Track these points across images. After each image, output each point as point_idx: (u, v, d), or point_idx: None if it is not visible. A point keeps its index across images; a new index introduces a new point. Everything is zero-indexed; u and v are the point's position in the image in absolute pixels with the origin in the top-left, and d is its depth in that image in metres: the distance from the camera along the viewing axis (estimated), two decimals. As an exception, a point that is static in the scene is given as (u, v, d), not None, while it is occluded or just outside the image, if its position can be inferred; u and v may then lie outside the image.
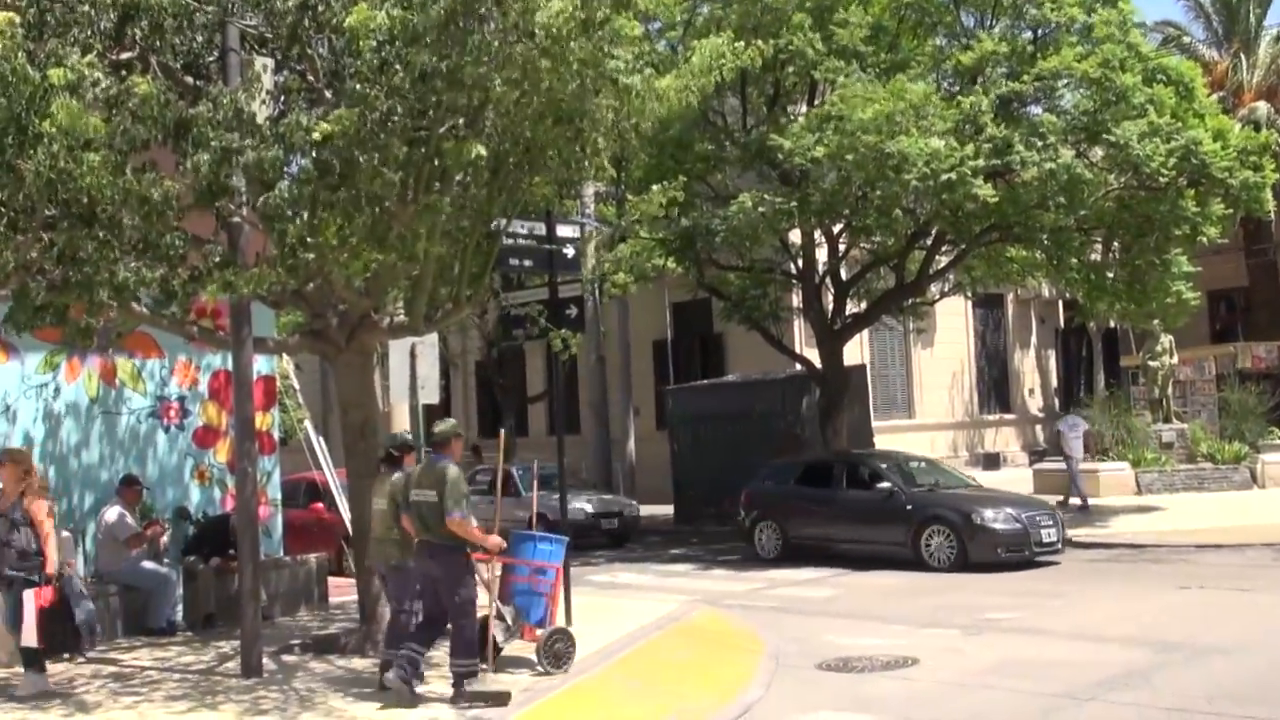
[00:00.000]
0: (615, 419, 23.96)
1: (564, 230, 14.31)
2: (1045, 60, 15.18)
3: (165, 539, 11.37)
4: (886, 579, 13.47)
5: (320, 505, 15.28)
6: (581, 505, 17.84)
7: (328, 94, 8.89)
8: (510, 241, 12.20)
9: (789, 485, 15.70)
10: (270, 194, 7.84)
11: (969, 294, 21.50)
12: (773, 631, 10.26)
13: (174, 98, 7.97)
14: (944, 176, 14.05)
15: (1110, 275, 16.56)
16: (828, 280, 18.81)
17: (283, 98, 8.78)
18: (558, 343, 10.54)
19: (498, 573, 8.54)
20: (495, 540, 7.99)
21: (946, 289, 20.34)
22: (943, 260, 18.15)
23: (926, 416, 25.09)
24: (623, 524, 18.32)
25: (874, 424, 20.86)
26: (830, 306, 18.87)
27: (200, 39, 8.92)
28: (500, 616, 8.57)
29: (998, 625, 10.22)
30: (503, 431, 8.87)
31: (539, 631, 8.58)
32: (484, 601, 8.21)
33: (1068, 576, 12.88)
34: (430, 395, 13.51)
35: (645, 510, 19.80)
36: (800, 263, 18.55)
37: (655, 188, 12.35)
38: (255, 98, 7.98)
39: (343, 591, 12.38)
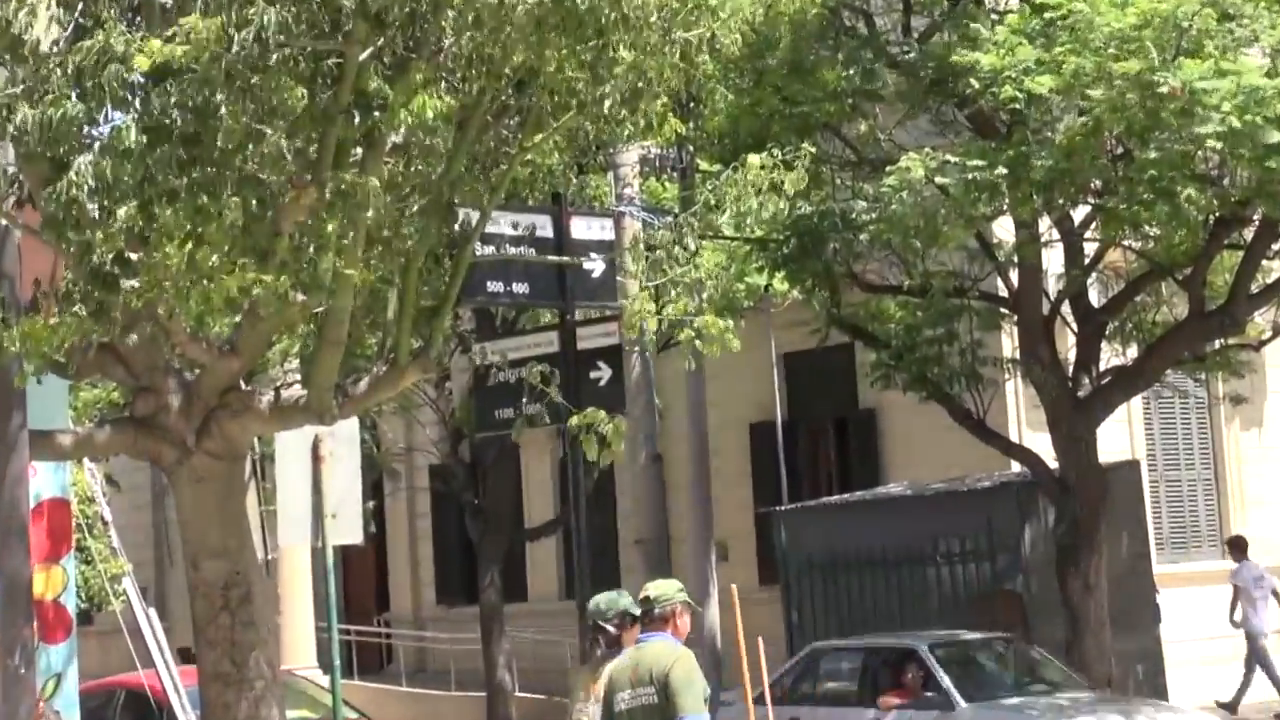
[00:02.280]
0: (684, 565, 23.55)
1: (585, 228, 14.42)
2: None
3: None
4: None
5: (151, 731, 15.29)
6: None
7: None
8: (490, 251, 12.69)
9: None
10: (62, 180, 7.99)
11: (1324, 330, 21.13)
12: None
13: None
14: (1273, 135, 13.95)
15: None
16: (1065, 308, 18.67)
17: (80, 5, 8.91)
18: (590, 444, 10.58)
19: None
20: None
21: (1284, 321, 20.09)
22: (1276, 269, 18.02)
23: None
24: None
25: (1155, 568, 20.51)
26: (1071, 356, 18.69)
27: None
28: None
29: None
30: (733, 588, 9.75)
31: None
32: None
33: None
34: (349, 531, 13.64)
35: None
36: (1015, 278, 18.38)
37: (754, 160, 12.31)
38: (38, 14, 8.15)
39: None
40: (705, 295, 17.30)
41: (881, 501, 21.27)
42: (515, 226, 13.42)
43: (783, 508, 22.42)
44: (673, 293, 13.91)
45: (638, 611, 9.17)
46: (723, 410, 24.48)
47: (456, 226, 10.06)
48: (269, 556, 18.25)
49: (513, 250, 13.61)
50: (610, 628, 9.32)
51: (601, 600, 9.56)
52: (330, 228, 8.64)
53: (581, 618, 14.48)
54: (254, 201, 8.43)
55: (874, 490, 22.19)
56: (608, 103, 9.33)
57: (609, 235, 14.95)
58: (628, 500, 24.35)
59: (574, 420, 10.81)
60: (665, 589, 8.91)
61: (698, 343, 12.15)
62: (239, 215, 8.33)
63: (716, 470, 23.97)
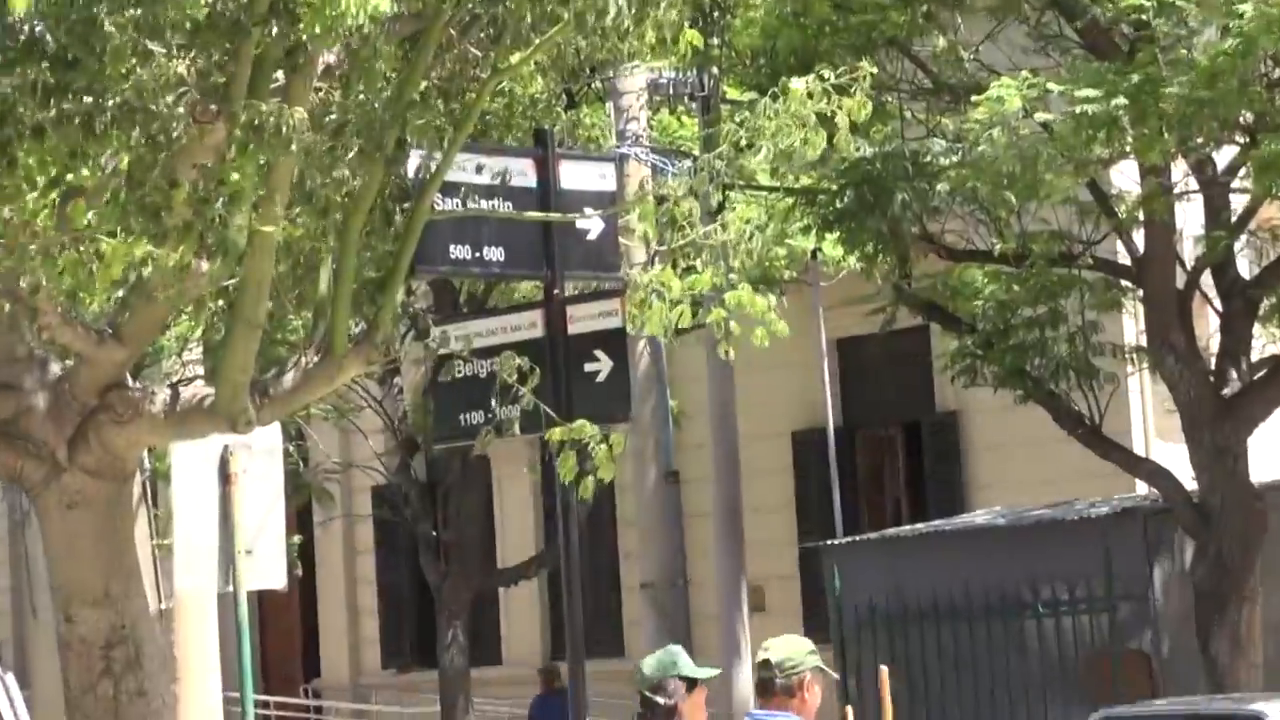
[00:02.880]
0: (706, 616, 23.78)
1: (576, 175, 14.32)
2: None
3: None
4: None
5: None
6: None
7: None
8: (453, 206, 12.34)
9: None
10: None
11: None
12: None
13: None
14: None
15: None
16: (1205, 280, 18.61)
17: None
18: (566, 467, 10.36)
19: None
20: None
21: None
22: None
23: None
24: None
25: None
26: (1214, 342, 18.69)
27: None
28: None
29: None
30: (884, 670, 9.89)
31: None
32: None
33: None
34: (268, 573, 14.04)
35: None
36: (1141, 241, 18.35)
37: (796, 86, 12.09)
38: None
39: None
40: (734, 263, 16.99)
41: (965, 534, 21.36)
42: (480, 170, 13.03)
43: (836, 542, 22.46)
44: (697, 261, 13.63)
45: (702, 674, 8.99)
46: (757, 414, 24.63)
47: (409, 173, 10.13)
48: (164, 606, 18.04)
49: (483, 204, 13.30)
50: (662, 699, 8.92)
51: (649, 664, 9.16)
52: (243, 172, 8.59)
53: (575, 683, 14.53)
54: (142, 140, 8.34)
55: (955, 519, 22.32)
56: (609, 13, 9.21)
57: (609, 185, 14.77)
58: (633, 532, 24.56)
59: (555, 434, 10.61)
60: (793, 650, 8.50)
61: (734, 324, 11.80)
62: (129, 158, 8.35)
63: (749, 493, 24.06)
